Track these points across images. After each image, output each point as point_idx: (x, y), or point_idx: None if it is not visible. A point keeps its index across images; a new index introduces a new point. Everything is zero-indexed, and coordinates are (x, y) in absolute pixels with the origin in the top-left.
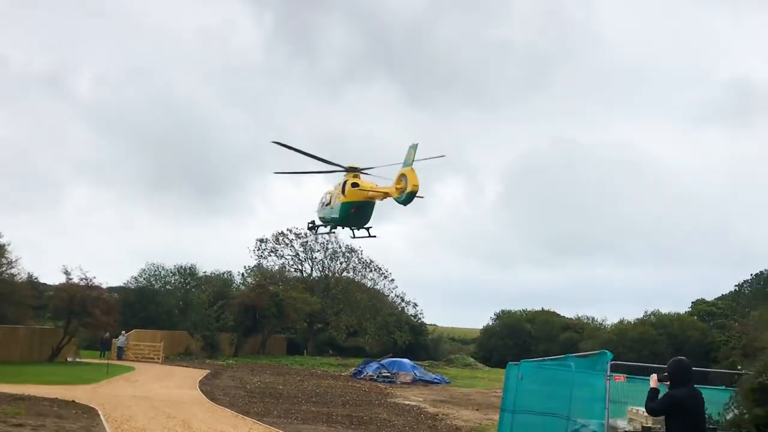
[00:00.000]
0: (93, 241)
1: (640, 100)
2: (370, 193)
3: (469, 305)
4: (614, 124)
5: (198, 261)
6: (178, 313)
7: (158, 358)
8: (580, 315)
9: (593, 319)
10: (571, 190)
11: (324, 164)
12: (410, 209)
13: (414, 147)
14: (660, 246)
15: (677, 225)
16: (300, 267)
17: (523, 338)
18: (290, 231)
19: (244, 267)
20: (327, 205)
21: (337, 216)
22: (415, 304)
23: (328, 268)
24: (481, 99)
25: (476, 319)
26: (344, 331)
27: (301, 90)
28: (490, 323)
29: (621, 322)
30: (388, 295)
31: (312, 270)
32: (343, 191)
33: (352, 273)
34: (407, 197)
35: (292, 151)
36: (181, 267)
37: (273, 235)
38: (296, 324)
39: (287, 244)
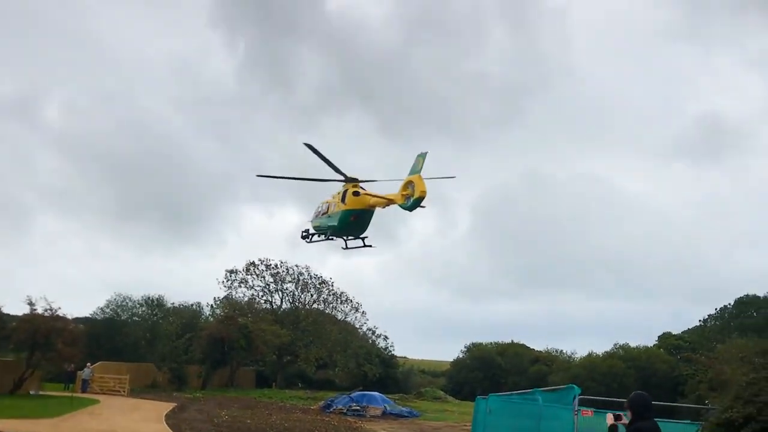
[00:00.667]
0: (59, 270)
1: (611, 134)
2: (372, 200)
3: (441, 337)
4: (585, 158)
5: (166, 292)
6: (145, 345)
7: (124, 391)
8: (549, 348)
9: (562, 352)
10: (543, 223)
11: (326, 172)
12: (383, 240)
13: (423, 155)
14: (629, 279)
15: (646, 259)
16: (270, 298)
17: (493, 371)
18: (261, 262)
19: (214, 298)
20: (324, 214)
21: (336, 224)
22: (386, 337)
23: (299, 300)
24: (455, 131)
25: (447, 351)
26: (314, 363)
27: (274, 120)
28: (461, 356)
29: (590, 355)
30: (359, 328)
31: (282, 301)
32: (343, 199)
33: (323, 305)
34: (414, 203)
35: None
36: (149, 298)
37: (244, 266)
38: (265, 356)
39: (257, 275)
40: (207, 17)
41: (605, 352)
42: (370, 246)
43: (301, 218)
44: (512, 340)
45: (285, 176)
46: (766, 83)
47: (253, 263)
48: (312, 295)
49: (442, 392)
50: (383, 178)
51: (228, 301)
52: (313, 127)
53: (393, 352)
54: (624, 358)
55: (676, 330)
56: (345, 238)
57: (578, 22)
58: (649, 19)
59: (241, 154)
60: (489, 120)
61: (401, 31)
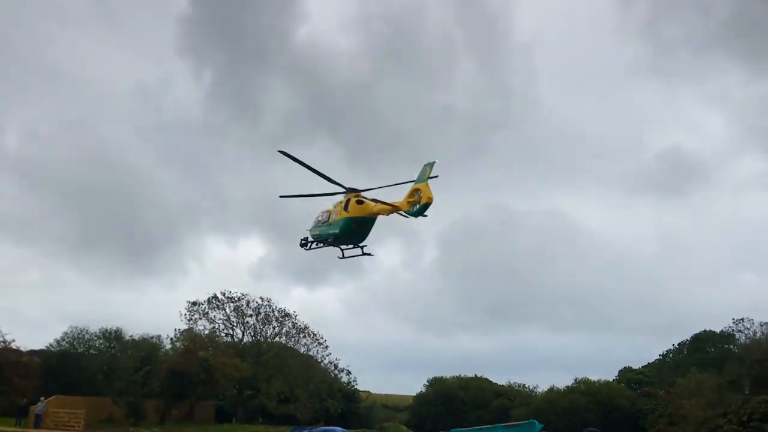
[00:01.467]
0: (14, 301)
1: (575, 169)
2: (376, 208)
3: (404, 371)
4: (550, 193)
5: (126, 324)
6: (102, 379)
7: (79, 426)
8: (512, 381)
9: (524, 386)
10: (507, 257)
11: (327, 184)
12: (348, 272)
13: (430, 165)
14: (591, 313)
15: (608, 293)
16: (231, 331)
17: (455, 405)
18: (223, 294)
19: (175, 330)
20: (324, 222)
21: (337, 231)
22: (349, 371)
23: (261, 333)
24: (421, 163)
25: (411, 385)
26: (275, 398)
27: (240, 149)
28: (423, 390)
29: (551, 389)
30: (321, 362)
31: (244, 335)
32: (346, 207)
33: (285, 338)
34: (420, 209)
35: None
36: (107, 330)
37: (207, 298)
38: (226, 390)
39: (219, 308)
40: (174, 45)
41: (567, 386)
42: (369, 254)
43: (265, 249)
44: (475, 375)
45: (302, 163)
46: (727, 121)
47: (215, 296)
48: (274, 328)
49: (404, 427)
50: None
51: (189, 334)
52: (279, 157)
53: (356, 387)
54: (585, 392)
55: (637, 364)
56: (343, 247)
57: (545, 58)
58: (615, 56)
59: (205, 184)
60: (456, 153)
61: (370, 62)
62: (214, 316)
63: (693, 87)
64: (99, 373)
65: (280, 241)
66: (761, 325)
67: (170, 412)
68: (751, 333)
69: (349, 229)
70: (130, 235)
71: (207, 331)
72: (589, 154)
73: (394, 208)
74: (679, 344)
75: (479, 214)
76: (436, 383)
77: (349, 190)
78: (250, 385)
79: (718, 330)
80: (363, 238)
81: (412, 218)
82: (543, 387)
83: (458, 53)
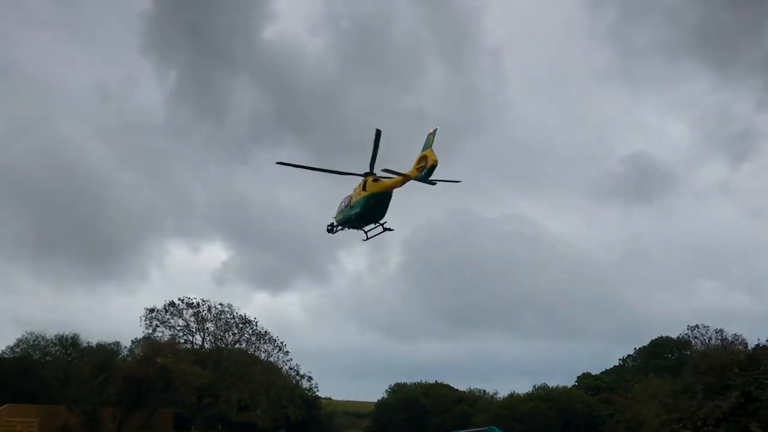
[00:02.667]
0: None
1: (540, 174)
2: (389, 182)
3: (367, 377)
4: (514, 199)
5: (84, 330)
6: (58, 386)
7: None
8: (473, 387)
9: (485, 392)
10: (471, 262)
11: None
12: (312, 278)
13: (433, 133)
14: (553, 319)
15: (571, 299)
16: (191, 338)
17: (417, 412)
18: (182, 300)
19: (132, 340)
20: (347, 206)
21: (359, 209)
22: (310, 378)
23: (221, 340)
24: (390, 167)
25: (373, 391)
26: (235, 405)
27: (204, 151)
28: (385, 396)
29: (511, 395)
30: (282, 368)
31: (203, 341)
32: (364, 187)
33: (245, 345)
34: (427, 173)
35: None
36: (63, 336)
37: (164, 304)
38: (185, 398)
39: (178, 314)
40: (137, 43)
41: (527, 392)
42: (390, 229)
43: (229, 254)
44: (436, 381)
45: (306, 166)
46: (692, 128)
47: (173, 302)
48: (234, 335)
49: None
50: (317, 212)
51: (147, 341)
52: (245, 160)
53: (317, 394)
54: (545, 398)
55: (598, 370)
56: (365, 229)
57: (514, 63)
58: (584, 62)
59: (167, 187)
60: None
61: (338, 63)
62: (173, 323)
63: (660, 93)
64: (54, 380)
65: (244, 246)
66: (715, 332)
67: (127, 420)
68: (705, 339)
69: (369, 206)
70: (89, 239)
71: (166, 338)
72: (556, 159)
73: (405, 178)
74: (637, 350)
75: (444, 219)
76: (398, 390)
77: (366, 174)
78: (209, 393)
79: (675, 336)
80: (383, 214)
81: (425, 180)
82: (503, 393)
83: (427, 56)
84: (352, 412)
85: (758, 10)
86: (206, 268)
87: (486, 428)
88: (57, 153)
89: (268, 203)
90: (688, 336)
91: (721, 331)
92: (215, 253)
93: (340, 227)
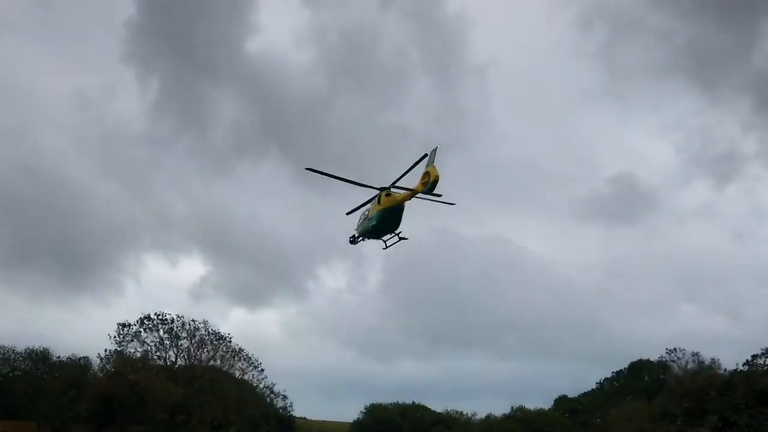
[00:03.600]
0: None
1: (524, 194)
2: (400, 196)
3: (343, 396)
4: (496, 218)
5: (55, 344)
6: (27, 402)
7: None
8: (450, 409)
9: (462, 413)
10: (452, 282)
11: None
12: (291, 294)
13: (434, 150)
14: (532, 340)
15: (550, 320)
16: (164, 354)
17: None
18: (156, 316)
19: (105, 350)
20: (365, 219)
21: (375, 222)
22: (285, 396)
23: (195, 357)
24: (373, 183)
25: (349, 410)
26: (208, 424)
27: (185, 163)
28: (361, 417)
29: (488, 417)
30: (257, 386)
31: (177, 358)
32: (378, 202)
33: (219, 362)
34: (431, 186)
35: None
36: (33, 350)
37: (137, 319)
38: (157, 415)
39: (152, 330)
40: (118, 52)
41: (504, 414)
42: (406, 238)
43: (207, 268)
44: (413, 402)
45: (333, 175)
46: (678, 149)
47: (147, 317)
48: (209, 352)
49: None
50: (298, 228)
51: (119, 356)
52: (226, 172)
53: (291, 413)
54: (522, 420)
55: (575, 391)
56: (384, 239)
57: (500, 80)
58: (571, 80)
59: (145, 198)
60: (408, 174)
61: (323, 77)
62: (146, 338)
63: (647, 114)
64: (23, 395)
65: (223, 260)
66: (692, 355)
67: None
68: (683, 363)
69: (383, 218)
70: (64, 251)
71: (138, 354)
72: (540, 179)
73: (413, 193)
74: (616, 372)
75: (426, 238)
76: (374, 410)
77: (381, 189)
78: (182, 410)
79: (653, 359)
80: (397, 225)
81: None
82: (481, 414)
83: (413, 72)
84: None
85: (746, 31)
86: (183, 283)
87: None
88: (33, 162)
89: (248, 217)
90: (666, 359)
91: (697, 354)
92: (193, 268)
93: (361, 239)
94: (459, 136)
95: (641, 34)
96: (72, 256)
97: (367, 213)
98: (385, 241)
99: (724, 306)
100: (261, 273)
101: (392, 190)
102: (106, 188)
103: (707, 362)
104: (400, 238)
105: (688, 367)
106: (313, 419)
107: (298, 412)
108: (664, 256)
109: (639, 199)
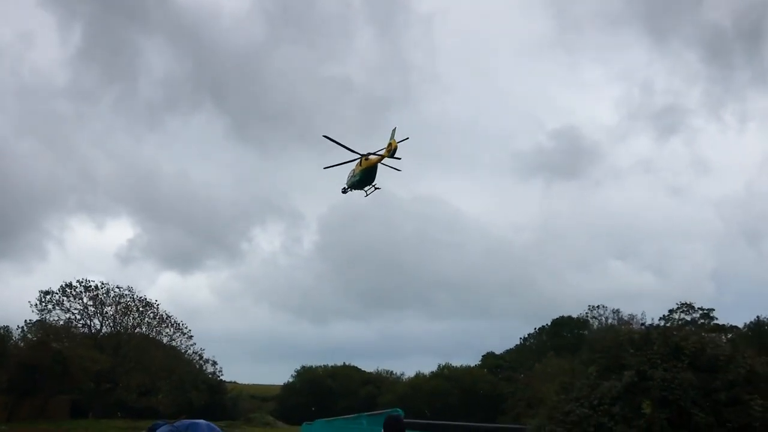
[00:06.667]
0: None
1: (464, 151)
2: (374, 159)
3: (275, 360)
4: (434, 176)
5: None
6: None
7: None
8: (380, 369)
9: (392, 372)
10: (386, 242)
11: (348, 153)
12: (223, 257)
13: (393, 130)
14: (465, 300)
15: (483, 280)
16: (89, 322)
17: (323, 394)
18: (80, 283)
19: (25, 321)
20: (352, 176)
21: (358, 178)
22: (215, 362)
23: (120, 324)
24: (312, 139)
25: (281, 374)
26: (135, 391)
27: (111, 118)
28: (291, 380)
29: (417, 375)
30: (186, 352)
31: (102, 326)
32: (360, 164)
33: (146, 329)
34: (392, 152)
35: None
36: None
37: (60, 287)
38: (82, 384)
39: (75, 297)
40: None
41: (431, 372)
42: (379, 188)
43: (135, 231)
44: (344, 363)
45: (344, 145)
46: (625, 101)
47: (70, 284)
48: (135, 319)
49: (271, 418)
50: (231, 187)
51: (41, 325)
52: (155, 127)
53: (221, 378)
54: (449, 377)
55: (503, 349)
56: (365, 190)
57: (445, 31)
58: (519, 32)
59: (69, 157)
60: (348, 129)
61: (260, 26)
62: (70, 306)
63: (596, 65)
64: None
65: (153, 222)
66: (612, 312)
67: (20, 408)
68: (603, 319)
69: (364, 176)
70: None
71: (62, 322)
72: (482, 135)
73: (382, 157)
74: (539, 329)
75: (363, 200)
76: (304, 373)
77: (362, 155)
78: (108, 378)
79: (575, 316)
80: (373, 180)
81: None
82: (411, 373)
83: (356, 21)
84: (258, 395)
85: None
86: (111, 246)
87: (390, 409)
88: None
89: (179, 176)
90: (587, 315)
91: (617, 311)
92: (120, 230)
93: (350, 190)
94: (404, 90)
95: None
96: None
97: (352, 172)
98: (366, 191)
99: (653, 262)
100: (192, 235)
101: (370, 156)
102: (26, 146)
103: (626, 318)
104: (376, 188)
105: (609, 323)
106: (244, 383)
107: (230, 376)
108: (600, 212)
109: (581, 153)
